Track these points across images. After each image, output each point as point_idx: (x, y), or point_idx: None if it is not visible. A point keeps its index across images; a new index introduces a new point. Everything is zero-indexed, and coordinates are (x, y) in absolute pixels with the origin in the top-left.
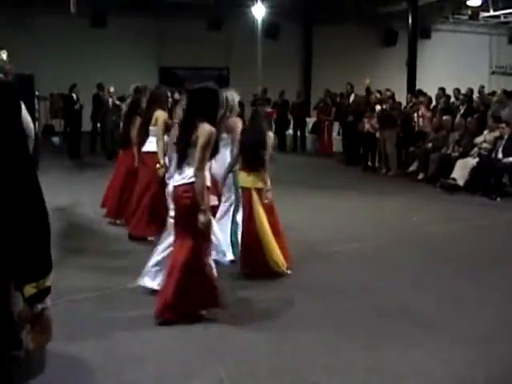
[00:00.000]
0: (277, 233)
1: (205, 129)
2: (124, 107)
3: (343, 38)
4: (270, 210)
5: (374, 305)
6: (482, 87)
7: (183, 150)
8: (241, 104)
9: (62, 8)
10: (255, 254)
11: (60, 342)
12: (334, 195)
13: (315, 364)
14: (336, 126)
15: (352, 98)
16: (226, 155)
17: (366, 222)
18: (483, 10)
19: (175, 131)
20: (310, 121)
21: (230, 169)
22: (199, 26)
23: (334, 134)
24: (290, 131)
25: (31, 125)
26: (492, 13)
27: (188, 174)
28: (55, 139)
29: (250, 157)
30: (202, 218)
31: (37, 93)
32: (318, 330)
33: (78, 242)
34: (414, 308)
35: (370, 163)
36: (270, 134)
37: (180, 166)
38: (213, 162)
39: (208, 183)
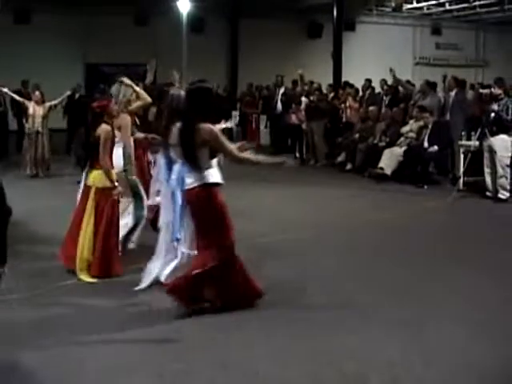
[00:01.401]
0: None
1: (207, 127)
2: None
3: (269, 31)
4: None
5: (307, 295)
6: (390, 70)
7: (192, 153)
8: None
9: None
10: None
11: None
12: (262, 186)
13: (253, 355)
14: (263, 118)
15: (282, 90)
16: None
17: (294, 213)
18: (407, 2)
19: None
20: (236, 114)
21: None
22: (125, 21)
23: (262, 126)
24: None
25: None
26: (415, 4)
27: (197, 176)
28: None
29: None
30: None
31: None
32: (261, 319)
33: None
34: (347, 296)
35: (297, 154)
36: None
37: (189, 168)
38: None
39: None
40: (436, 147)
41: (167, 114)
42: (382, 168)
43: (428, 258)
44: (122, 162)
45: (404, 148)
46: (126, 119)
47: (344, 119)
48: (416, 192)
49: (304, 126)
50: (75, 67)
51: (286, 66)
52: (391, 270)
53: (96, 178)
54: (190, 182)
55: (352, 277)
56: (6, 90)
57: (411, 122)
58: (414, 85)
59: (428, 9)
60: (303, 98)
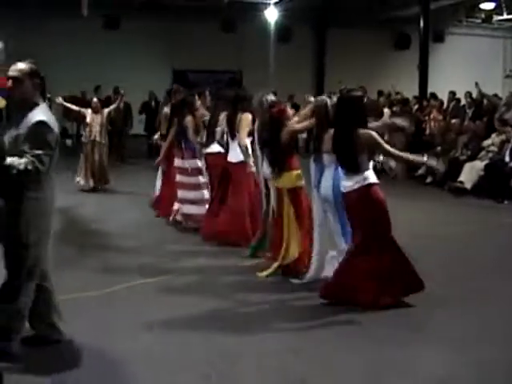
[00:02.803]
0: None
1: (367, 133)
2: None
3: (356, 41)
4: None
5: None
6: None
7: (353, 159)
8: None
9: (75, 11)
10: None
11: None
12: None
13: (302, 362)
14: None
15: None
16: None
17: None
18: (497, 14)
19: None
20: None
21: None
22: (212, 28)
23: None
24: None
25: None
26: (506, 16)
27: (358, 178)
28: (68, 141)
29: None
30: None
31: (49, 95)
32: (306, 329)
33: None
34: (401, 309)
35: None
36: None
37: (348, 172)
38: None
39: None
40: None
41: (318, 123)
42: (461, 182)
43: (491, 275)
44: None
45: (485, 162)
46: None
47: (427, 131)
48: (496, 207)
49: (386, 137)
50: (163, 73)
51: (373, 76)
52: (452, 285)
53: (285, 179)
54: (350, 184)
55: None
56: (60, 100)
57: (493, 135)
58: (501, 98)
59: None
60: (385, 110)
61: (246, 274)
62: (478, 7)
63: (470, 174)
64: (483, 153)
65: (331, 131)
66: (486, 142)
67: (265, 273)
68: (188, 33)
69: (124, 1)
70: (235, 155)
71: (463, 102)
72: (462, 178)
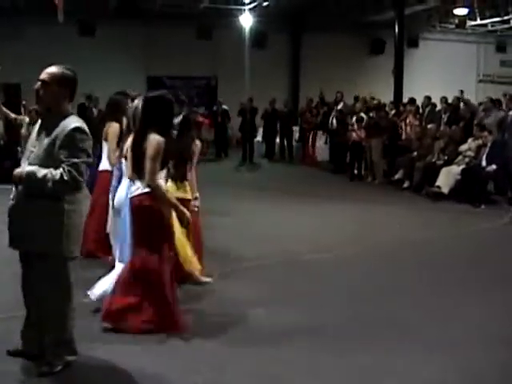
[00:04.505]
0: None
1: (154, 139)
2: None
3: (331, 46)
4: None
5: (350, 311)
6: (461, 92)
7: (138, 161)
8: (226, 112)
9: (50, 17)
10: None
11: None
12: (320, 203)
13: (292, 369)
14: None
15: (340, 106)
16: None
17: (350, 230)
18: (470, 19)
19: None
20: (297, 129)
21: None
22: (188, 34)
23: (321, 142)
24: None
25: None
26: (479, 21)
27: (142, 184)
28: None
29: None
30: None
31: (24, 102)
32: (293, 336)
33: None
34: (389, 314)
35: (356, 171)
36: (197, 143)
37: (135, 177)
38: None
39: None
40: (494, 166)
41: (127, 126)
42: (439, 187)
43: (473, 280)
44: None
45: (462, 167)
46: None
47: (403, 136)
48: (472, 212)
49: (364, 143)
50: (138, 79)
51: (348, 81)
52: (433, 289)
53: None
54: (134, 189)
55: (394, 295)
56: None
57: (469, 140)
58: (480, 104)
59: (492, 26)
60: (362, 115)
61: None
62: (451, 13)
63: (446, 179)
64: (460, 157)
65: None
66: (463, 147)
67: None
68: (163, 39)
69: (99, 7)
70: (103, 165)
71: (439, 106)
72: (438, 182)
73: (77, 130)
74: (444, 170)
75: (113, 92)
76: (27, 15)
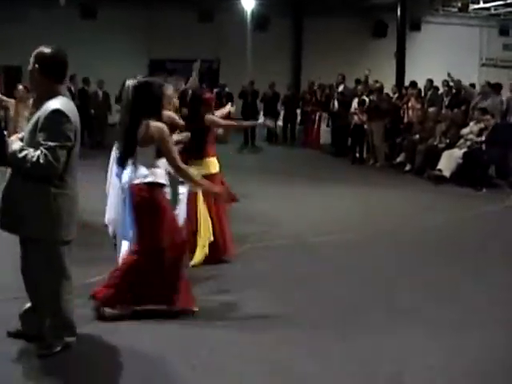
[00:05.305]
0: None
1: (158, 126)
2: None
3: (333, 29)
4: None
5: (352, 294)
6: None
7: (131, 149)
8: (230, 95)
9: (53, 0)
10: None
11: None
12: (322, 186)
13: (291, 353)
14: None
15: (341, 88)
16: None
17: (352, 213)
18: (473, 2)
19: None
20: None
21: None
22: (189, 17)
23: (324, 125)
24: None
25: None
26: (482, 5)
27: (143, 173)
28: None
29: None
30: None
31: (24, 84)
32: (293, 319)
33: None
34: (389, 297)
35: (357, 155)
36: (210, 117)
37: (129, 164)
38: None
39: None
40: (495, 150)
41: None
42: (440, 170)
43: (476, 262)
44: None
45: (464, 150)
46: None
47: (406, 120)
48: (474, 195)
49: (365, 125)
50: (140, 62)
51: (350, 64)
52: (436, 272)
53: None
54: (132, 177)
55: (395, 279)
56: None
57: (471, 124)
58: (474, 86)
59: (495, 9)
60: (364, 98)
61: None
62: None
63: (448, 162)
64: (461, 141)
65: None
66: (465, 131)
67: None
68: (165, 22)
69: None
70: None
71: (441, 90)
72: (440, 165)
73: (56, 112)
74: (446, 154)
75: (115, 75)
76: None
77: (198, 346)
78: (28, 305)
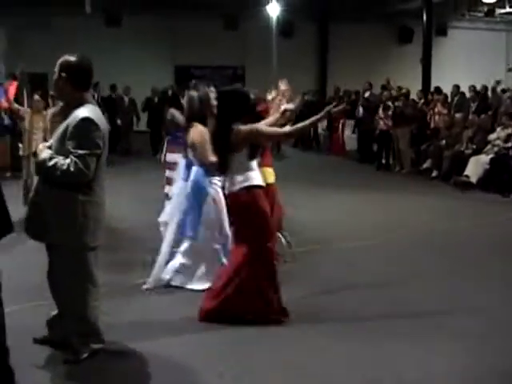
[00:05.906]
0: None
1: (246, 127)
2: None
3: (358, 35)
4: None
5: (383, 300)
6: (498, 82)
7: (225, 157)
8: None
9: (78, 8)
10: None
11: None
12: (347, 192)
13: (316, 358)
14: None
15: (367, 94)
16: None
17: (377, 219)
18: (499, 7)
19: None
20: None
21: None
22: (215, 24)
23: (348, 132)
24: None
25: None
26: (508, 9)
27: (239, 179)
28: None
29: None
30: None
31: (51, 92)
32: (322, 324)
33: None
34: (413, 306)
35: (383, 161)
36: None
37: (225, 173)
38: None
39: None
40: None
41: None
42: (467, 176)
43: (498, 270)
44: None
45: (491, 156)
46: None
47: (432, 125)
48: (501, 201)
49: (391, 131)
50: (165, 69)
51: (376, 70)
52: (461, 280)
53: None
54: (229, 185)
55: (421, 285)
56: None
57: (498, 129)
58: (504, 91)
59: None
60: (389, 103)
61: None
62: (480, 1)
63: (475, 168)
64: (489, 147)
65: (197, 125)
66: (492, 136)
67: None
68: (190, 29)
69: None
70: None
71: (468, 95)
72: (467, 171)
73: (85, 120)
74: (473, 159)
75: (140, 82)
76: (54, 5)
77: (224, 352)
78: (55, 311)
